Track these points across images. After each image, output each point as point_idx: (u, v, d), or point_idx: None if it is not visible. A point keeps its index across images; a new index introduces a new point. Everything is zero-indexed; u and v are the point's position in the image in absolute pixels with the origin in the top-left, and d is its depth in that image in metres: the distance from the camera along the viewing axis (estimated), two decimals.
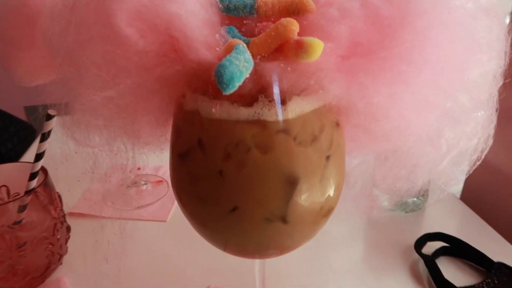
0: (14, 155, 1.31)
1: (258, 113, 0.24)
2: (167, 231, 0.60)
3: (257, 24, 0.28)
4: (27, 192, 0.45)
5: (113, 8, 0.22)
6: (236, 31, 0.27)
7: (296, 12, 0.26)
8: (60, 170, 0.53)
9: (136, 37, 0.23)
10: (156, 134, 0.29)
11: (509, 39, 0.26)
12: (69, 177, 0.53)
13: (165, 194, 0.68)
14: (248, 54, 0.22)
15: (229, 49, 0.23)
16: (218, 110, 0.24)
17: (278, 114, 0.24)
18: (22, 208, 0.46)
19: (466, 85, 0.24)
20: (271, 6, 0.27)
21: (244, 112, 0.24)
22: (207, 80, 0.24)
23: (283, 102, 0.24)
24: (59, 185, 0.53)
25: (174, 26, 0.23)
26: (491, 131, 0.26)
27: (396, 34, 0.23)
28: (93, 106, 0.24)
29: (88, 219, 0.62)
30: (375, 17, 0.23)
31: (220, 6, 0.27)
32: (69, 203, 0.62)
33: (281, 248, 0.28)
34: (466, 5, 0.24)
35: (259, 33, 0.27)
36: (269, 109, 0.24)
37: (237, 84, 0.20)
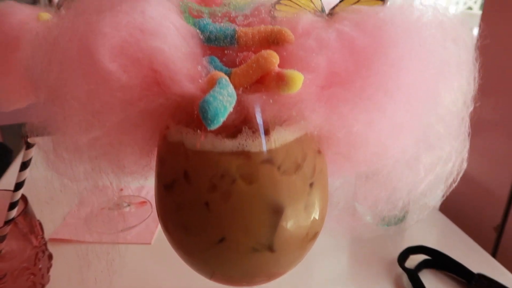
0: None
1: (242, 144, 0.24)
2: (152, 254, 0.59)
3: (238, 53, 0.28)
4: (7, 222, 0.44)
5: (96, 44, 0.22)
6: (217, 61, 0.28)
7: (275, 42, 0.27)
8: (40, 191, 0.52)
9: (119, 72, 0.23)
10: (141, 163, 0.29)
11: (477, 56, 0.27)
12: (49, 199, 0.52)
13: (148, 216, 0.67)
14: (231, 88, 0.22)
15: (212, 82, 0.23)
16: (202, 142, 0.25)
17: (262, 144, 0.24)
18: (1, 239, 0.45)
19: (439, 112, 0.26)
20: (251, 36, 0.28)
21: (228, 144, 0.24)
22: (191, 112, 0.25)
23: (267, 132, 0.24)
24: (39, 208, 0.52)
25: (156, 60, 0.23)
26: (465, 155, 0.27)
27: (371, 65, 0.24)
28: (77, 144, 0.24)
29: (70, 245, 0.60)
30: (351, 47, 0.24)
31: (201, 37, 0.28)
32: (49, 227, 0.60)
33: (268, 275, 0.28)
34: (436, 35, 0.25)
35: (241, 63, 0.28)
36: (253, 140, 0.24)
37: (222, 119, 0.21)
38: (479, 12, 0.66)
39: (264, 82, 0.24)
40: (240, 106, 0.24)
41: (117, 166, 0.29)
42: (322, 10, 0.32)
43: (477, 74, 0.26)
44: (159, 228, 0.63)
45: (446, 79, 0.25)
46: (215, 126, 0.21)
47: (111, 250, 0.60)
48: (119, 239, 0.61)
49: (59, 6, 0.55)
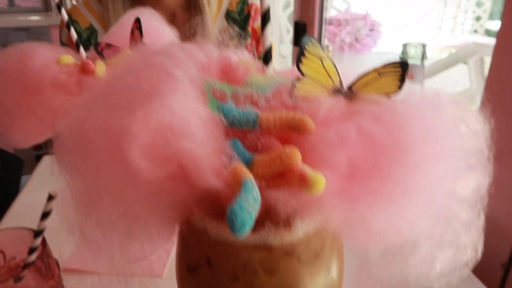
0: (1, 189, 1.30)
1: (264, 238, 0.25)
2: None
3: (260, 137, 0.29)
4: (26, 266, 0.46)
5: (128, 146, 0.23)
6: (240, 145, 0.29)
7: (296, 129, 0.28)
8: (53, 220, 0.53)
9: (148, 168, 0.24)
10: (163, 239, 0.31)
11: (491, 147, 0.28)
12: (62, 229, 0.53)
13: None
14: (256, 191, 0.23)
15: (237, 181, 0.24)
16: (225, 233, 0.26)
17: (284, 238, 0.25)
18: (18, 279, 0.46)
19: (455, 209, 0.26)
20: (272, 121, 0.29)
21: (251, 237, 0.25)
22: (215, 204, 0.26)
23: (288, 226, 0.25)
24: (52, 234, 0.52)
25: (185, 159, 0.24)
26: (480, 245, 0.28)
27: (390, 165, 0.24)
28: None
29: (83, 276, 0.62)
30: (370, 142, 0.25)
31: (224, 121, 0.29)
32: (62, 254, 0.62)
33: None
34: (454, 133, 0.26)
35: (262, 147, 0.29)
36: (274, 234, 0.25)
37: (248, 228, 0.22)
38: (492, 42, 0.66)
39: (286, 177, 0.25)
40: (263, 200, 0.25)
41: (139, 241, 0.30)
42: (340, 85, 0.33)
43: (491, 168, 0.27)
44: (170, 259, 0.64)
45: (463, 176, 0.26)
46: (242, 235, 0.22)
47: (123, 283, 0.61)
48: (130, 271, 0.62)
49: (77, 45, 0.57)
